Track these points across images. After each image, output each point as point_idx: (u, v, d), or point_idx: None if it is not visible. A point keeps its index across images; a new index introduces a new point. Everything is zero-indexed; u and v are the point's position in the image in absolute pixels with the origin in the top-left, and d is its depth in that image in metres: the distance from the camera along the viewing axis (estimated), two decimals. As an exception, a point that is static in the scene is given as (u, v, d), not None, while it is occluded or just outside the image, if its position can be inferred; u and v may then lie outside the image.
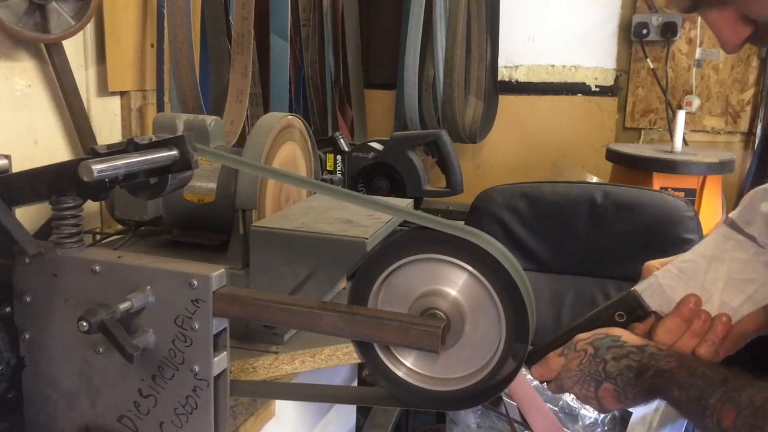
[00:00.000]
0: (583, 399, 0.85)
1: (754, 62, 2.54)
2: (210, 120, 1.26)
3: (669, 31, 2.53)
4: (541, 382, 0.89)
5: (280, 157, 1.22)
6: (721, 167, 2.19)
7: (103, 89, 1.54)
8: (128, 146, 0.85)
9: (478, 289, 0.85)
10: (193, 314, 0.83)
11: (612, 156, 2.33)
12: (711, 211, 2.23)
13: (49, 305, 0.88)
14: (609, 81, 2.64)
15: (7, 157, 0.96)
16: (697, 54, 2.59)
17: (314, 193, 1.30)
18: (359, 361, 1.09)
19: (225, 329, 0.87)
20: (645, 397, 0.81)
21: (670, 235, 1.61)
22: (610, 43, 2.58)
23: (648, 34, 2.53)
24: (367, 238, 1.00)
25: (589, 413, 1.57)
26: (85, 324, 0.79)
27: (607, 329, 0.85)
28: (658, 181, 2.22)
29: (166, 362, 0.85)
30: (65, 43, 1.38)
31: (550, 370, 0.86)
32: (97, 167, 0.78)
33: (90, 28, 1.48)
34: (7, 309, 0.89)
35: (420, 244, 0.85)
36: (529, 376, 0.97)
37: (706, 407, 0.72)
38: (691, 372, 0.76)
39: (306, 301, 0.87)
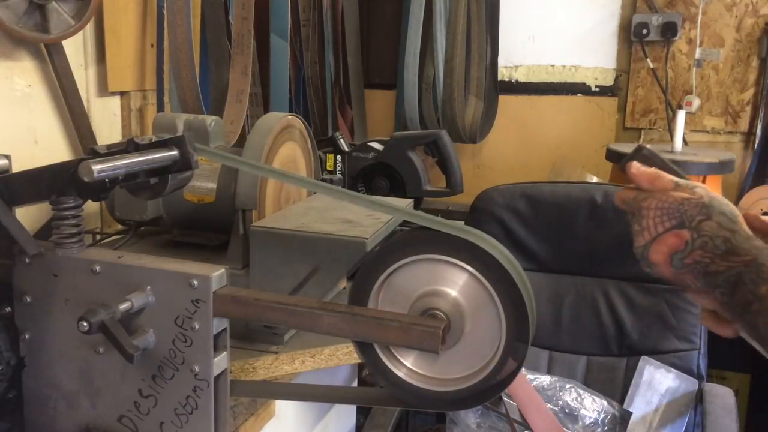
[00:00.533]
0: (652, 232, 0.78)
1: (754, 62, 2.54)
2: (210, 120, 1.26)
3: (669, 31, 2.53)
4: (626, 182, 0.80)
5: (280, 157, 1.22)
6: (721, 167, 2.19)
7: (103, 89, 1.54)
8: (128, 146, 0.85)
9: (479, 290, 0.85)
10: (194, 314, 0.83)
11: (612, 156, 2.33)
12: (711, 211, 2.22)
13: (49, 305, 0.88)
14: (609, 81, 2.65)
15: (7, 157, 0.96)
16: (697, 54, 2.59)
17: (314, 193, 1.30)
18: (359, 361, 1.09)
19: (225, 329, 0.87)
20: (717, 279, 0.73)
21: (670, 235, 1.60)
22: (610, 43, 2.58)
23: (648, 34, 2.53)
24: (367, 238, 1.00)
25: (588, 413, 1.57)
26: (85, 324, 0.79)
27: (693, 190, 0.77)
28: (658, 181, 2.21)
29: (166, 362, 0.85)
30: (65, 43, 1.38)
31: (629, 198, 0.79)
32: (97, 167, 0.78)
33: (90, 28, 1.48)
34: (8, 309, 0.90)
35: (420, 245, 0.85)
36: (529, 376, 0.96)
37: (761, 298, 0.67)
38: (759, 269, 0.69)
39: (306, 301, 0.87)
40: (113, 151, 0.84)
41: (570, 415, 1.57)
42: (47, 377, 0.90)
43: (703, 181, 2.21)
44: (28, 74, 1.35)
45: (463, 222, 0.85)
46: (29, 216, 1.19)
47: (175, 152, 0.86)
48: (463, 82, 2.58)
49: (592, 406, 1.57)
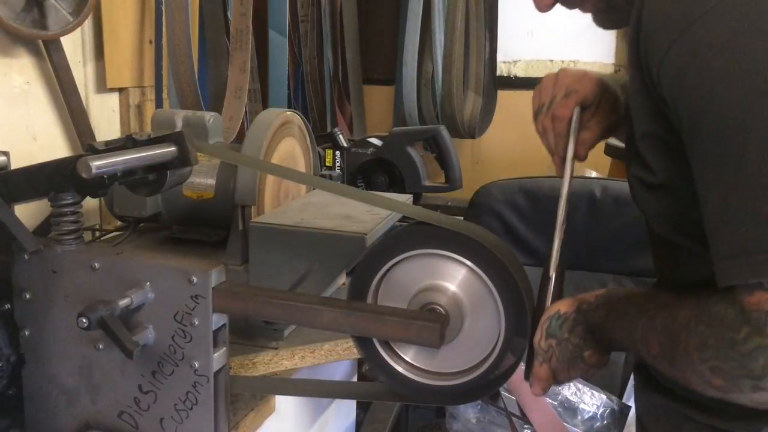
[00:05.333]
0: (585, 375, 0.86)
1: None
2: (209, 116, 1.26)
3: (668, 25, 2.52)
4: (546, 392, 0.89)
5: (279, 153, 1.22)
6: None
7: (102, 86, 1.53)
8: (126, 143, 0.85)
9: (478, 284, 0.85)
10: (193, 310, 0.83)
11: (611, 151, 2.32)
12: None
13: (48, 302, 0.88)
14: (608, 76, 2.64)
15: (6, 153, 0.96)
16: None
17: (313, 189, 1.30)
18: (359, 356, 1.09)
19: (224, 325, 0.87)
20: (610, 346, 0.84)
21: (669, 230, 1.60)
22: (609, 38, 2.58)
23: (647, 28, 2.52)
24: (366, 234, 1.00)
25: (588, 407, 1.57)
26: (84, 320, 0.79)
27: (547, 312, 0.85)
28: (657, 175, 2.21)
29: (166, 358, 0.85)
30: (63, 39, 1.37)
31: (544, 380, 0.87)
32: (96, 164, 0.78)
33: (88, 24, 1.47)
34: (7, 306, 0.90)
35: (419, 240, 0.85)
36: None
37: (636, 341, 0.76)
38: (617, 315, 0.79)
39: (306, 297, 0.87)
40: (112, 147, 0.84)
41: (569, 410, 1.57)
42: (47, 374, 0.90)
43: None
44: (27, 71, 1.35)
45: (462, 217, 0.85)
46: (28, 213, 1.19)
47: (173, 148, 0.86)
48: (462, 77, 2.58)
49: (591, 401, 1.58)
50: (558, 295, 0.88)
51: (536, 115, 0.97)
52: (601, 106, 0.94)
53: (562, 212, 0.87)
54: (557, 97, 0.93)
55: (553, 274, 0.86)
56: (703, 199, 0.68)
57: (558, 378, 0.86)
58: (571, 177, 0.91)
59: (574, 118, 0.91)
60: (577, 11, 0.92)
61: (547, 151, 0.97)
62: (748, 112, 0.63)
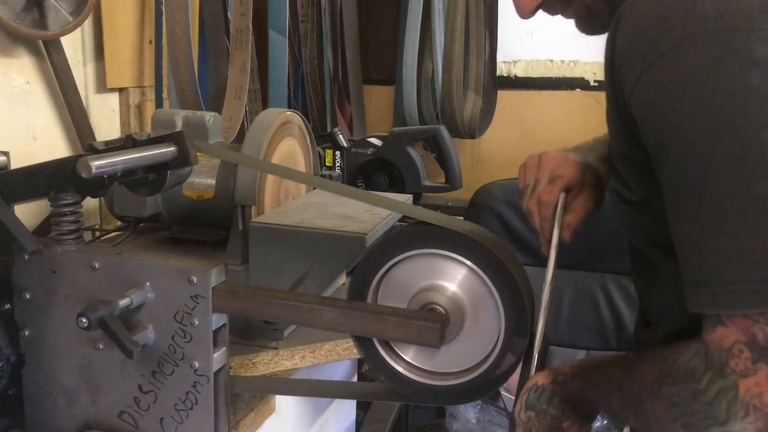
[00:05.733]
0: None
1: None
2: (209, 116, 1.26)
3: (668, 25, 2.52)
4: None
5: (279, 153, 1.22)
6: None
7: (102, 86, 1.53)
8: (126, 142, 0.85)
9: (478, 284, 0.85)
10: (193, 310, 0.83)
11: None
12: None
13: (48, 302, 0.88)
14: (608, 76, 2.64)
15: (6, 153, 0.96)
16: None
17: (313, 188, 1.30)
18: (359, 356, 1.09)
19: (224, 325, 0.87)
20: (590, 414, 0.85)
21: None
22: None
23: (647, 28, 2.52)
24: (366, 234, 1.00)
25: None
26: (84, 320, 0.79)
27: (527, 384, 0.87)
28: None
29: (166, 358, 0.85)
30: (63, 39, 1.37)
31: None
32: (96, 163, 0.78)
33: (88, 24, 1.47)
34: (7, 306, 0.90)
35: (419, 240, 0.85)
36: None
37: (614, 412, 0.79)
38: (591, 385, 0.81)
39: (306, 297, 0.87)
40: (111, 147, 0.84)
41: (569, 410, 1.57)
42: (47, 374, 0.90)
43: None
44: (27, 71, 1.35)
45: (462, 217, 0.85)
46: (28, 213, 1.19)
47: (173, 148, 0.86)
48: (461, 77, 2.57)
49: (592, 401, 1.58)
50: (541, 368, 0.89)
51: (521, 195, 1.01)
52: (583, 187, 0.97)
53: (547, 295, 0.88)
54: (542, 182, 0.97)
55: (536, 354, 0.87)
56: (670, 225, 0.70)
57: None
58: (556, 260, 0.94)
59: (559, 203, 0.95)
60: (560, 17, 0.94)
61: (533, 227, 1.01)
62: (710, 148, 0.64)
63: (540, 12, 0.93)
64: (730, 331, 0.64)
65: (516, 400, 0.88)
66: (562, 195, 0.95)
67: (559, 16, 0.93)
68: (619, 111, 0.75)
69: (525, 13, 0.92)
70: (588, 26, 0.90)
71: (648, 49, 0.68)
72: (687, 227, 0.67)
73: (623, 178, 0.80)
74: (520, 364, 0.87)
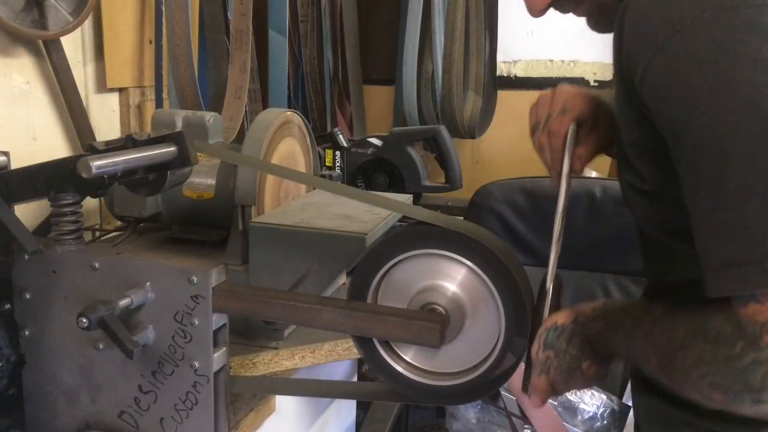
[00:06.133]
0: (583, 386, 0.86)
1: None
2: (209, 116, 1.26)
3: (668, 25, 2.52)
4: (545, 403, 0.89)
5: (279, 153, 1.22)
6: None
7: (102, 86, 1.53)
8: (126, 142, 0.85)
9: (478, 284, 0.85)
10: (193, 310, 0.83)
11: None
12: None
13: (48, 302, 0.88)
14: (608, 76, 2.64)
15: (6, 153, 0.96)
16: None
17: (313, 188, 1.30)
18: (359, 356, 1.09)
19: (225, 325, 0.87)
20: (608, 356, 0.84)
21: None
22: (609, 38, 2.57)
23: (647, 28, 2.51)
24: (366, 234, 1.00)
25: (588, 407, 1.58)
26: (84, 320, 0.79)
27: (545, 323, 0.86)
28: (657, 175, 2.21)
29: (166, 358, 0.85)
30: (63, 39, 1.37)
31: (543, 392, 0.86)
32: (96, 163, 0.78)
33: (88, 24, 1.47)
34: (7, 306, 0.90)
35: (419, 240, 0.85)
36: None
37: (633, 355, 0.77)
38: (614, 327, 0.79)
39: (306, 297, 0.87)
40: (112, 147, 0.84)
41: (569, 410, 1.57)
42: (47, 374, 0.90)
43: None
44: (27, 71, 1.35)
45: (462, 217, 0.85)
46: (28, 213, 1.19)
47: (173, 148, 0.86)
48: (461, 77, 2.57)
49: (591, 401, 1.58)
50: (555, 307, 0.88)
51: (533, 131, 0.97)
52: (597, 123, 0.95)
53: (559, 226, 0.87)
54: (553, 114, 0.94)
55: (550, 287, 0.86)
56: (690, 210, 0.69)
57: (556, 389, 0.86)
58: (568, 192, 0.92)
59: (570, 133, 0.92)
60: (570, 15, 0.93)
61: (545, 166, 0.98)
62: (729, 125, 0.63)
63: (550, 12, 0.92)
64: (765, 308, 0.63)
65: (531, 338, 0.86)
66: (573, 124, 0.92)
67: (570, 14, 0.92)
68: (629, 99, 0.74)
69: (536, 11, 0.91)
70: (599, 24, 0.90)
71: (657, 32, 0.67)
72: (710, 209, 0.66)
73: (635, 167, 0.79)
74: (521, 364, 0.87)
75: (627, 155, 0.80)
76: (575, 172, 0.94)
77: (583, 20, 0.94)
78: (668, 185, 0.74)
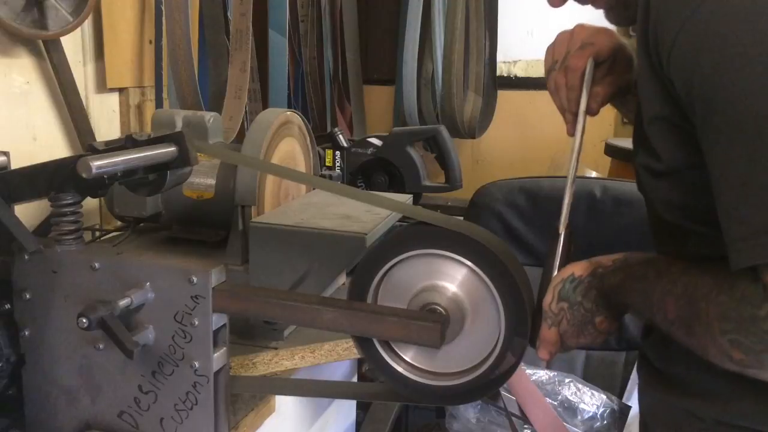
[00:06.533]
0: (593, 341, 0.85)
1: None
2: (209, 116, 1.26)
3: (668, 25, 2.52)
4: (552, 357, 0.88)
5: (279, 153, 1.22)
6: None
7: (102, 86, 1.53)
8: (126, 143, 0.85)
9: (478, 284, 0.85)
10: (193, 310, 0.83)
11: (610, 151, 2.32)
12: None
13: (48, 302, 0.88)
14: (608, 76, 2.64)
15: (6, 153, 0.96)
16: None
17: (313, 188, 1.30)
18: (359, 356, 1.09)
19: (224, 325, 0.87)
20: (623, 310, 0.83)
21: (669, 230, 1.61)
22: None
23: (647, 28, 2.51)
24: (366, 234, 1.00)
25: (588, 407, 1.57)
26: (84, 320, 0.79)
27: (560, 273, 0.85)
28: (657, 175, 2.21)
29: (166, 358, 0.85)
30: (63, 39, 1.37)
31: (552, 344, 0.85)
32: (96, 164, 0.78)
33: (88, 24, 1.47)
34: (7, 306, 0.90)
35: (419, 240, 0.85)
36: (528, 371, 0.97)
37: (653, 305, 0.75)
38: (635, 278, 0.78)
39: (306, 297, 0.87)
40: (112, 147, 0.84)
41: (569, 410, 1.57)
42: (47, 374, 0.90)
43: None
44: (27, 71, 1.35)
45: (462, 217, 0.85)
46: (28, 213, 1.19)
47: (173, 148, 0.86)
48: (461, 77, 2.57)
49: (591, 401, 1.58)
50: (567, 256, 0.87)
51: (548, 72, 0.95)
52: (615, 63, 0.92)
53: (573, 169, 0.85)
54: (572, 50, 0.91)
55: (563, 232, 0.85)
56: (717, 180, 0.67)
57: (566, 343, 0.85)
58: (583, 131, 0.90)
59: (588, 69, 0.89)
60: (577, 11, 0.93)
61: (559, 110, 0.95)
62: (766, 88, 0.62)
63: (550, 12, 0.92)
64: None
65: (543, 288, 0.85)
66: (591, 60, 0.89)
67: (568, 11, 0.91)
68: (653, 72, 0.73)
69: (556, 2, 0.90)
70: (619, 17, 0.89)
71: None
72: (741, 175, 0.64)
73: (653, 146, 0.77)
74: (520, 364, 0.87)
75: (646, 133, 0.78)
76: (591, 112, 0.92)
77: (582, 19, 0.94)
78: (687, 165, 0.73)
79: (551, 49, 0.95)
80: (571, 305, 0.82)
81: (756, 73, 0.62)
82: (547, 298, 0.84)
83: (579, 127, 0.89)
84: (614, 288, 0.80)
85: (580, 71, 0.90)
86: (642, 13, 0.73)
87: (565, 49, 0.92)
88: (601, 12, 0.93)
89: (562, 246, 0.86)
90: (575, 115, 0.91)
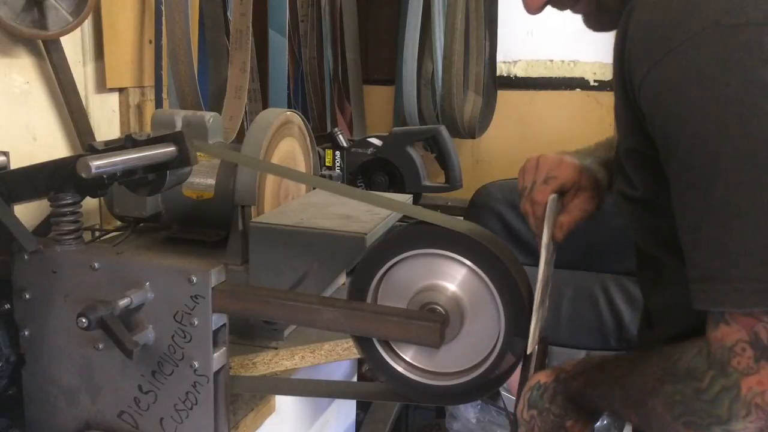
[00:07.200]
0: None
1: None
2: (208, 116, 1.26)
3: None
4: None
5: (279, 152, 1.22)
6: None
7: (102, 86, 1.53)
8: (126, 142, 0.85)
9: (477, 284, 0.85)
10: (193, 310, 0.83)
11: (611, 151, 2.32)
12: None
13: (48, 302, 0.88)
14: (608, 76, 2.64)
15: (6, 153, 0.96)
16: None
17: (313, 188, 1.30)
18: (359, 356, 1.09)
19: (224, 325, 0.87)
20: (593, 413, 0.84)
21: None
22: (609, 38, 2.57)
23: (647, 28, 2.51)
24: (366, 234, 1.00)
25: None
26: (84, 320, 0.79)
27: (529, 381, 0.87)
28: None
29: (166, 358, 0.85)
30: (63, 39, 1.37)
31: None
32: (96, 163, 0.78)
33: (88, 24, 1.47)
34: (7, 306, 0.90)
35: (419, 240, 0.85)
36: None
37: (615, 412, 0.78)
38: (594, 384, 0.80)
39: (305, 297, 0.87)
40: (111, 147, 0.84)
41: (569, 410, 1.57)
42: (47, 374, 0.90)
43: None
44: (27, 71, 1.35)
45: (462, 217, 0.85)
46: (28, 213, 1.19)
47: (173, 148, 0.86)
48: (461, 77, 2.57)
49: (592, 401, 1.58)
50: (541, 367, 0.89)
51: (520, 197, 1.00)
52: (581, 189, 0.97)
53: (539, 295, 0.86)
54: (537, 182, 0.96)
55: (535, 350, 0.86)
56: (677, 219, 0.70)
57: None
58: (550, 261, 0.93)
59: (549, 203, 0.93)
60: (569, 12, 0.93)
61: (531, 230, 1.01)
62: (719, 142, 0.64)
63: (550, 12, 0.92)
64: (732, 330, 0.64)
65: (518, 399, 0.87)
66: (553, 195, 0.94)
67: (567, 12, 0.92)
68: (628, 103, 0.75)
69: (533, 8, 0.91)
70: (597, 23, 0.90)
71: (660, 42, 0.68)
72: (694, 222, 0.67)
73: (628, 176, 0.79)
74: (520, 364, 0.87)
75: (622, 163, 0.80)
76: (556, 241, 0.96)
77: (580, 20, 0.94)
78: (659, 194, 0.75)
79: (522, 176, 1.01)
80: (540, 412, 0.84)
81: (709, 130, 0.64)
82: (519, 406, 0.86)
83: (542, 257, 0.92)
84: (577, 394, 0.82)
85: (543, 204, 0.95)
86: (619, 42, 0.75)
87: (532, 178, 0.98)
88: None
89: (535, 362, 0.87)
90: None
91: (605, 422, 1.57)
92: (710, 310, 0.66)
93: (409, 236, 0.86)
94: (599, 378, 0.80)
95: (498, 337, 0.85)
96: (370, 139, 2.05)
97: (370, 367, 0.92)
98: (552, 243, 0.94)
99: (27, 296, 0.89)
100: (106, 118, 1.56)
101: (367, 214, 1.09)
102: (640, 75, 0.70)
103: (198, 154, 0.89)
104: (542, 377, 0.85)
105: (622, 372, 0.77)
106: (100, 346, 0.87)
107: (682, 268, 0.70)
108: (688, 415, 0.66)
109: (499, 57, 2.69)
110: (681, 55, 0.66)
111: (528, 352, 0.85)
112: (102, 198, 1.38)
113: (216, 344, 0.85)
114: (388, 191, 1.96)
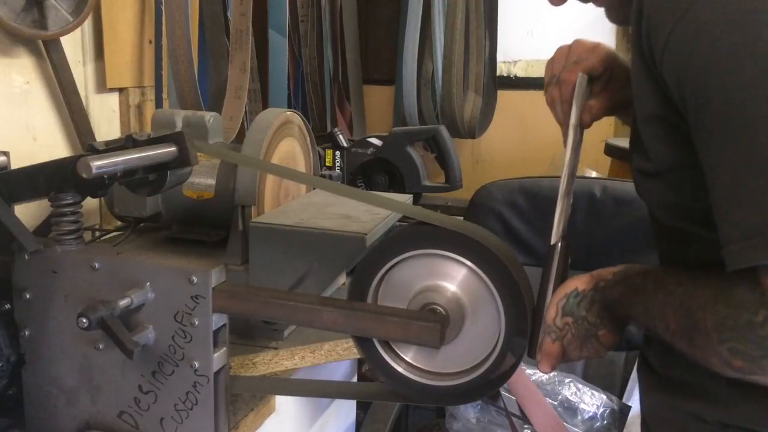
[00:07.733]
0: (595, 354, 0.85)
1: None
2: (209, 116, 1.26)
3: (668, 25, 2.52)
4: (553, 370, 0.88)
5: (279, 152, 1.22)
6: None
7: (102, 86, 1.53)
8: (126, 143, 0.85)
9: (478, 285, 0.85)
10: (193, 310, 0.83)
11: (610, 151, 2.32)
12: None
13: (48, 302, 0.88)
14: (608, 76, 2.64)
15: (6, 153, 0.96)
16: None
17: (313, 188, 1.30)
18: (359, 356, 1.09)
19: (225, 325, 0.87)
20: (625, 322, 0.83)
21: (669, 230, 1.60)
22: (609, 38, 2.57)
23: (647, 28, 2.51)
24: (366, 234, 1.00)
25: (588, 407, 1.57)
26: (84, 320, 0.79)
27: (563, 288, 0.85)
28: (657, 175, 2.21)
29: (166, 358, 0.85)
30: (63, 39, 1.38)
31: (554, 358, 0.85)
32: (96, 164, 0.78)
33: (88, 24, 1.47)
34: (7, 306, 0.90)
35: (419, 240, 0.85)
36: (528, 371, 0.97)
37: (653, 317, 0.75)
38: (635, 290, 0.78)
39: (306, 297, 0.87)
40: (112, 147, 0.84)
41: (569, 410, 1.57)
42: (47, 374, 0.90)
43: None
44: (27, 71, 1.35)
45: (462, 217, 0.85)
46: (28, 213, 1.19)
47: (173, 148, 0.86)
48: (461, 77, 2.57)
49: (591, 401, 1.58)
50: (564, 267, 0.86)
51: (547, 86, 0.96)
52: (612, 78, 0.93)
53: (565, 182, 0.84)
54: (567, 65, 0.92)
55: (558, 243, 0.85)
56: (711, 181, 0.67)
57: (569, 356, 0.85)
58: (576, 146, 0.89)
59: (578, 82, 0.89)
60: (577, 11, 0.92)
61: (558, 123, 0.96)
62: (759, 88, 0.61)
63: (550, 12, 0.92)
64: None
65: (541, 295, 0.84)
66: (582, 74, 0.90)
67: (568, 11, 0.91)
68: (647, 70, 0.72)
69: (556, 0, 0.90)
70: (620, 16, 0.88)
71: None
72: (735, 178, 0.64)
73: (646, 147, 0.77)
74: (520, 364, 0.87)
75: (640, 133, 0.78)
76: (584, 125, 0.92)
77: (581, 19, 0.94)
78: (681, 165, 0.73)
79: (550, 65, 0.96)
80: (576, 320, 0.82)
81: (746, 74, 0.62)
82: (551, 313, 0.84)
83: (569, 140, 0.89)
84: (615, 301, 0.81)
85: (571, 84, 0.91)
86: (636, 13, 0.73)
87: (562, 64, 0.93)
88: (601, 11, 0.92)
89: (558, 258, 0.86)
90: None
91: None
92: (764, 264, 0.62)
93: (409, 236, 0.86)
94: (642, 284, 0.78)
95: (498, 338, 0.85)
96: (370, 139, 2.05)
97: (370, 367, 0.92)
98: (579, 127, 0.89)
99: (27, 296, 0.89)
100: (106, 118, 1.57)
101: (367, 214, 1.09)
102: (662, 37, 0.68)
103: (198, 154, 0.89)
104: (580, 284, 0.83)
105: (672, 279, 0.74)
106: (101, 346, 0.87)
107: (712, 238, 0.67)
108: (736, 342, 0.64)
109: (499, 57, 2.69)
110: (704, 7, 0.64)
111: (552, 243, 0.83)
112: (102, 198, 1.38)
113: (216, 344, 0.85)
114: (388, 191, 1.96)
